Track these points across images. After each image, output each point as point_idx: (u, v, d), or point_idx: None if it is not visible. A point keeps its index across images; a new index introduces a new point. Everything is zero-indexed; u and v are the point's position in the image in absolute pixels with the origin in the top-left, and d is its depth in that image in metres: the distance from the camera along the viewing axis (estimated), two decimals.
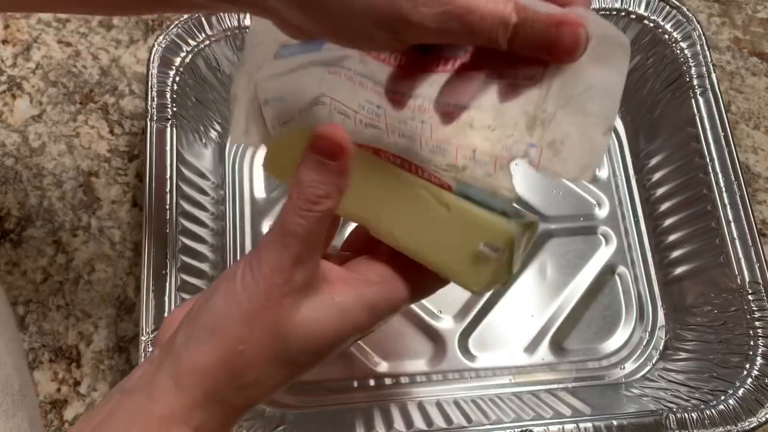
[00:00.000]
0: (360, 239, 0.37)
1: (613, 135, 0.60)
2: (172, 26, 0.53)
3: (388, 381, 0.52)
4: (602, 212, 0.58)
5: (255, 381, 0.31)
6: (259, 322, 0.30)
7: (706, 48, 0.54)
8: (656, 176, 0.57)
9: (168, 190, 0.49)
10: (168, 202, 0.48)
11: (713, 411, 0.45)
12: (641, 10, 0.55)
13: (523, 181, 0.58)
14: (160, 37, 0.53)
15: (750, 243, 0.49)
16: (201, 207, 0.52)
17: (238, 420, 0.33)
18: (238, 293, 0.30)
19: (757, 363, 0.47)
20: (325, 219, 0.30)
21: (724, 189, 0.51)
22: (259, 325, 0.30)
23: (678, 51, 0.55)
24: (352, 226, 0.49)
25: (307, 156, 0.29)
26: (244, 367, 0.31)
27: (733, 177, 0.51)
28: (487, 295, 0.54)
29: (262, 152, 0.59)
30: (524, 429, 0.44)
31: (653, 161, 0.57)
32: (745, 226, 0.49)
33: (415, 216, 0.32)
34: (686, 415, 0.45)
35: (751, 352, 0.47)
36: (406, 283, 0.33)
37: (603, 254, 0.56)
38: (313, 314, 0.31)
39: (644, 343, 0.54)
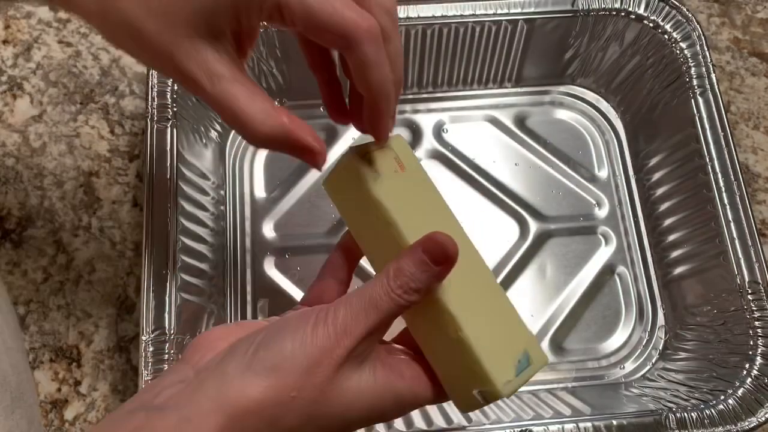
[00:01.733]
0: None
1: (613, 135, 0.61)
2: None
3: None
4: (602, 212, 0.58)
5: (289, 430, 0.30)
6: (318, 375, 0.30)
7: (705, 48, 0.54)
8: (656, 176, 0.57)
9: (168, 190, 0.49)
10: (168, 202, 0.48)
11: (713, 411, 0.45)
12: (641, 11, 0.56)
13: (523, 181, 0.58)
14: None
15: (750, 243, 0.49)
16: (201, 207, 0.52)
17: None
18: (308, 340, 0.30)
19: (757, 363, 0.47)
20: (402, 311, 0.31)
21: (723, 189, 0.51)
22: (316, 379, 0.30)
23: (678, 51, 0.55)
24: None
25: (415, 250, 0.31)
26: (289, 414, 0.30)
27: (732, 177, 0.51)
28: None
29: (262, 152, 0.59)
30: (524, 429, 0.44)
31: (653, 161, 0.57)
32: (745, 226, 0.50)
33: (435, 333, 0.33)
34: (686, 414, 0.45)
35: (750, 352, 0.47)
36: (433, 385, 0.34)
37: (603, 254, 0.56)
38: (357, 386, 0.31)
39: (644, 343, 0.54)
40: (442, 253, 0.31)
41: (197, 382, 0.30)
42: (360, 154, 0.34)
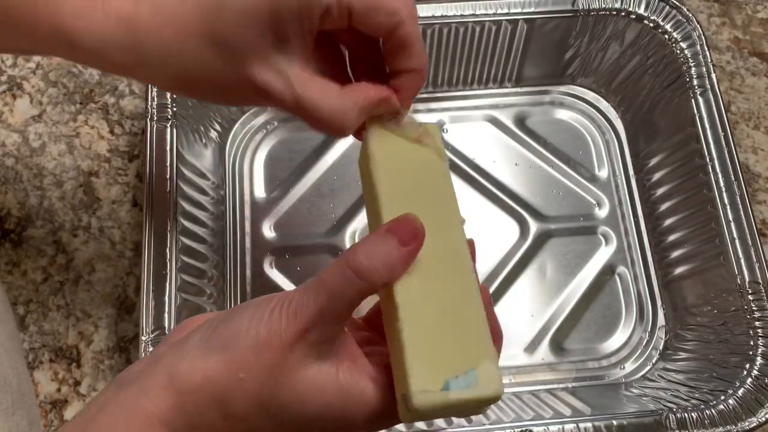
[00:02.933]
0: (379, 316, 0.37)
1: (613, 135, 0.61)
2: None
3: None
4: (602, 212, 0.58)
5: (242, 417, 0.30)
6: (266, 357, 0.29)
7: (706, 48, 0.54)
8: (656, 176, 0.57)
9: (168, 190, 0.49)
10: (168, 202, 0.48)
11: (713, 411, 0.45)
12: (641, 10, 0.56)
13: (523, 181, 0.58)
14: None
15: (750, 243, 0.49)
16: (201, 207, 0.52)
17: None
18: (263, 321, 0.29)
19: (757, 363, 0.46)
20: (362, 294, 0.29)
21: (724, 189, 0.51)
22: (264, 360, 0.29)
23: (678, 51, 0.55)
24: None
25: (378, 229, 0.30)
26: (239, 398, 0.29)
27: (733, 177, 0.51)
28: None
29: (262, 152, 0.59)
30: (524, 429, 0.44)
31: (653, 161, 0.57)
32: (745, 226, 0.49)
33: (389, 326, 0.31)
34: (686, 415, 0.45)
35: (751, 352, 0.47)
36: None
37: (603, 254, 0.56)
38: (312, 379, 0.29)
39: (644, 343, 0.54)
40: (409, 232, 0.29)
41: (159, 356, 0.31)
42: (385, 130, 0.35)
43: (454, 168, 0.58)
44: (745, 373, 0.46)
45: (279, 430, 0.31)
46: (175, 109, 0.51)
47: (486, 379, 0.29)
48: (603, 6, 0.56)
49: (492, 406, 0.48)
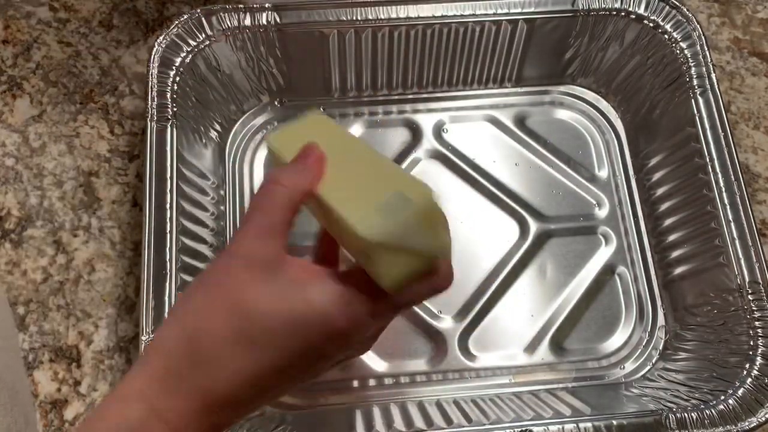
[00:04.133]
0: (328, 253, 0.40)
1: (613, 135, 0.61)
2: (173, 26, 0.53)
3: (388, 381, 0.52)
4: (602, 212, 0.58)
5: (214, 359, 0.31)
6: (219, 297, 0.31)
7: (705, 48, 0.54)
8: (656, 176, 0.57)
9: (168, 190, 0.49)
10: (168, 202, 0.48)
11: (713, 411, 0.45)
12: (641, 10, 0.56)
13: (523, 181, 0.58)
14: (161, 38, 0.53)
15: (750, 243, 0.49)
16: (201, 207, 0.52)
17: (217, 414, 0.31)
18: (205, 272, 0.32)
19: (757, 363, 0.47)
20: (285, 202, 0.33)
21: (724, 189, 0.51)
22: (218, 301, 0.31)
23: (678, 51, 0.55)
24: None
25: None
26: (203, 341, 0.31)
27: (732, 177, 0.51)
28: (487, 294, 0.54)
29: (262, 153, 0.59)
30: (524, 429, 0.44)
31: (653, 161, 0.57)
32: (745, 226, 0.50)
33: (332, 224, 0.35)
34: (686, 414, 0.45)
35: (750, 352, 0.47)
36: (369, 296, 0.33)
37: (603, 254, 0.56)
38: (270, 291, 0.31)
39: (644, 343, 0.54)
40: (306, 152, 0.35)
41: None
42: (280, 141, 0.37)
43: (455, 168, 0.59)
44: (745, 373, 0.46)
45: (262, 353, 0.31)
46: (175, 109, 0.51)
47: (415, 194, 0.32)
48: (603, 6, 0.56)
49: (492, 405, 0.49)
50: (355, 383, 0.51)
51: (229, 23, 0.54)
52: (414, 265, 0.32)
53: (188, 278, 0.48)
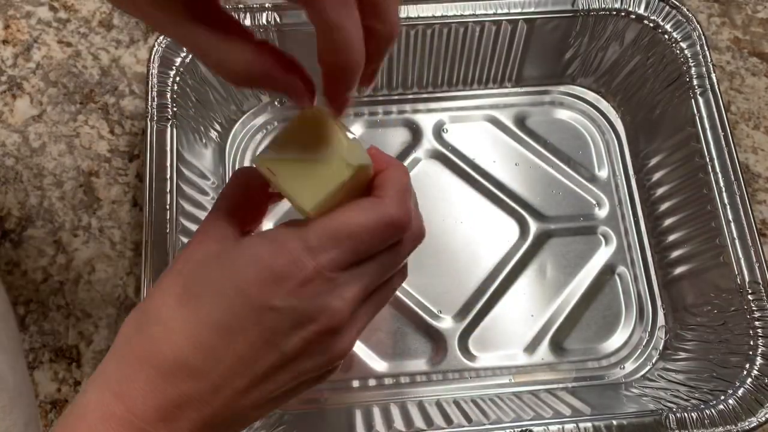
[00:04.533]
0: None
1: (613, 135, 0.61)
2: None
3: (388, 381, 0.52)
4: (602, 212, 0.58)
5: (156, 321, 0.30)
6: (170, 268, 0.32)
7: (705, 48, 0.54)
8: (656, 176, 0.57)
9: (168, 190, 0.49)
10: (168, 202, 0.48)
11: (713, 411, 0.45)
12: (641, 11, 0.56)
13: (523, 181, 0.58)
14: (161, 38, 0.53)
15: (750, 243, 0.49)
16: (201, 207, 0.52)
17: (173, 385, 0.29)
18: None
19: (757, 363, 0.47)
20: (234, 188, 0.34)
21: (723, 189, 0.51)
22: (168, 272, 0.32)
23: (678, 51, 0.55)
24: None
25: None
26: (150, 310, 0.31)
27: (732, 177, 0.51)
28: (487, 294, 0.54)
29: None
30: (524, 429, 0.44)
31: (653, 161, 0.57)
32: (745, 226, 0.50)
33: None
34: (686, 414, 0.45)
35: (750, 352, 0.47)
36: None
37: (603, 254, 0.56)
38: (213, 250, 0.31)
39: (644, 343, 0.54)
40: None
41: None
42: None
43: (455, 168, 0.59)
44: (745, 373, 0.46)
45: (201, 308, 0.30)
46: (175, 109, 0.51)
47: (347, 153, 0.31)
48: (603, 6, 0.56)
49: (492, 405, 0.49)
50: (355, 383, 0.51)
51: None
52: (326, 178, 0.31)
53: None
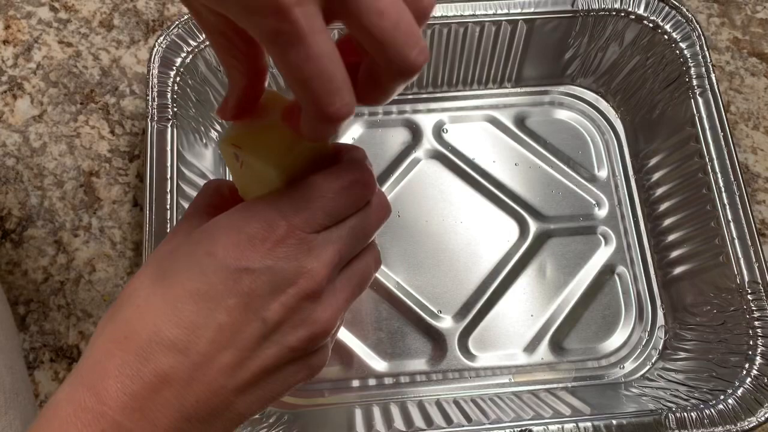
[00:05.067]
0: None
1: (613, 135, 0.61)
2: (173, 27, 0.53)
3: (388, 380, 0.52)
4: (602, 212, 0.58)
5: (127, 303, 0.30)
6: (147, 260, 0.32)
7: (705, 48, 0.54)
8: (655, 176, 0.57)
9: (169, 190, 0.49)
10: (169, 202, 0.48)
11: (713, 410, 0.45)
12: (640, 11, 0.56)
13: (523, 181, 0.58)
14: (161, 38, 0.53)
15: (749, 243, 0.49)
16: None
17: (152, 361, 0.28)
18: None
19: (757, 363, 0.47)
20: (208, 187, 0.36)
21: (723, 189, 0.51)
22: (145, 263, 0.32)
23: (677, 51, 0.55)
24: None
25: None
26: (122, 294, 0.30)
27: (732, 177, 0.51)
28: (487, 294, 0.54)
29: None
30: (524, 428, 0.44)
31: (653, 161, 0.57)
32: (745, 226, 0.50)
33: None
34: (686, 414, 0.45)
35: (750, 352, 0.47)
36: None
37: (602, 254, 0.56)
38: (187, 237, 0.31)
39: (644, 343, 0.54)
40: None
41: None
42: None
43: (455, 168, 0.59)
44: (744, 372, 0.47)
45: (169, 286, 0.30)
46: (175, 109, 0.51)
47: None
48: (603, 6, 0.56)
49: (492, 405, 0.49)
50: (355, 383, 0.52)
51: None
52: (288, 141, 0.32)
53: None
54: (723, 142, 0.52)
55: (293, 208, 0.30)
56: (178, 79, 0.53)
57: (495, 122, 0.61)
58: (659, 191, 0.56)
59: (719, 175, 0.51)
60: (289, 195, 0.30)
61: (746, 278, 0.48)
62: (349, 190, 0.31)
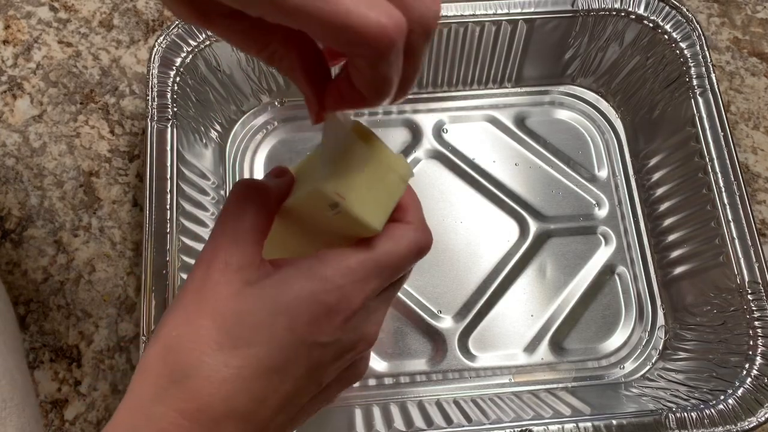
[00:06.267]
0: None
1: (613, 135, 0.61)
2: (173, 26, 0.53)
3: (388, 381, 0.52)
4: (602, 212, 0.58)
5: (195, 372, 0.28)
6: (198, 306, 0.29)
7: (705, 48, 0.54)
8: (656, 176, 0.57)
9: (168, 190, 0.49)
10: (168, 202, 0.48)
11: (713, 411, 0.45)
12: (641, 11, 0.56)
13: (523, 181, 0.58)
14: (161, 38, 0.53)
15: (749, 243, 0.49)
16: (201, 207, 0.52)
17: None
18: (185, 284, 0.30)
19: (757, 363, 0.47)
20: (259, 205, 0.31)
21: (723, 189, 0.51)
22: (197, 310, 0.29)
23: (677, 51, 0.55)
24: None
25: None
26: (183, 355, 0.28)
27: (732, 177, 0.51)
28: (487, 294, 0.54)
29: (262, 153, 0.59)
30: (524, 428, 0.44)
31: (653, 161, 0.57)
32: (745, 226, 0.50)
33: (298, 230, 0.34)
34: (686, 414, 0.45)
35: (750, 352, 0.47)
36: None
37: (602, 254, 0.56)
38: (251, 292, 0.29)
39: (644, 343, 0.54)
40: (275, 171, 0.34)
41: None
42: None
43: (454, 168, 0.59)
44: (744, 372, 0.47)
45: (248, 357, 0.29)
46: (175, 109, 0.51)
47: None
48: (603, 6, 0.56)
49: (492, 405, 0.49)
50: (355, 383, 0.51)
51: None
52: (385, 194, 0.31)
53: None
54: (723, 142, 0.52)
55: (367, 279, 0.30)
56: (178, 79, 0.53)
57: (495, 122, 0.61)
58: (659, 191, 0.56)
59: (719, 175, 0.51)
60: (364, 263, 0.30)
61: (746, 278, 0.48)
62: (415, 258, 0.32)
